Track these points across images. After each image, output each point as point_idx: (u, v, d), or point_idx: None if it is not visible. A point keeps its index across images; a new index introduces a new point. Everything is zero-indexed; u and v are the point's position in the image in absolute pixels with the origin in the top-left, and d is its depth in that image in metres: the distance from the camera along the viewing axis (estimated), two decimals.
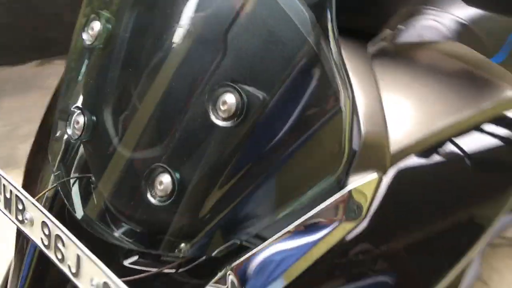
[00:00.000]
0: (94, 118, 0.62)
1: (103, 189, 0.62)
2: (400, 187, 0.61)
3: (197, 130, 0.55)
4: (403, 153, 0.62)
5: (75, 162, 0.66)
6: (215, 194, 0.56)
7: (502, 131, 0.71)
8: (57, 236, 0.56)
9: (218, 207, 0.56)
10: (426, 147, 0.64)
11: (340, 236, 0.57)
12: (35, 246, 0.65)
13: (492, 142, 0.70)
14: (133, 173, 0.60)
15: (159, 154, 0.57)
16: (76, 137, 0.63)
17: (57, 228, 0.56)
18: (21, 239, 0.75)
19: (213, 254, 0.57)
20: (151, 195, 0.56)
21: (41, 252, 0.62)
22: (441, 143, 0.65)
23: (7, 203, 0.63)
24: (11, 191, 0.61)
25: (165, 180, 0.56)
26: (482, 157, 0.68)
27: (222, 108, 0.53)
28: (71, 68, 0.68)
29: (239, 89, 0.53)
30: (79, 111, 0.63)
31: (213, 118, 0.54)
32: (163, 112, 0.58)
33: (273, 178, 0.57)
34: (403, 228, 0.62)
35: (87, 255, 0.53)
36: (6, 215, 0.64)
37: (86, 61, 0.65)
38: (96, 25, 0.62)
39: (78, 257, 0.54)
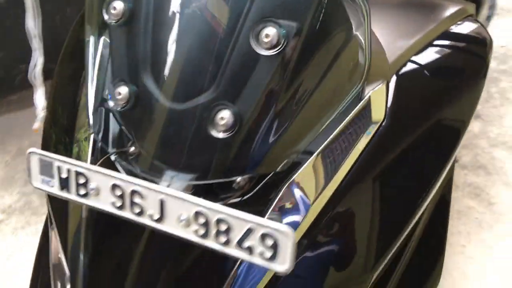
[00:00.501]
0: (134, 87, 0.66)
1: (156, 146, 0.65)
2: (400, 91, 0.78)
3: (245, 64, 0.61)
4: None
5: (121, 132, 0.70)
6: (270, 118, 0.63)
7: (450, 42, 0.92)
8: (133, 192, 0.60)
9: (275, 129, 0.64)
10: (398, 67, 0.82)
11: (368, 139, 0.72)
12: (78, 230, 0.71)
13: (444, 52, 0.89)
14: (191, 120, 0.63)
15: (214, 94, 0.62)
16: (120, 107, 0.66)
17: (133, 184, 0.60)
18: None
19: (278, 169, 0.66)
20: (217, 131, 0.62)
21: (97, 227, 0.69)
22: (406, 61, 0.83)
23: (64, 183, 0.63)
24: (68, 170, 0.62)
25: (225, 115, 0.61)
26: (437, 67, 0.86)
27: (265, 40, 0.60)
28: (96, 48, 0.73)
29: (277, 22, 0.60)
30: (120, 83, 0.66)
31: (258, 50, 0.60)
32: (210, 55, 0.62)
33: (311, 98, 0.66)
34: (412, 124, 0.79)
35: (173, 195, 0.58)
36: (64, 197, 0.64)
37: (114, 37, 0.68)
38: (119, 4, 0.65)
39: (161, 202, 0.59)
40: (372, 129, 0.72)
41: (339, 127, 0.70)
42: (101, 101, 0.72)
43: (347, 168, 0.69)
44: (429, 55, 0.87)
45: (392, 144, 0.75)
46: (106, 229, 0.73)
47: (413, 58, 0.84)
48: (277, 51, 0.60)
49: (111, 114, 0.71)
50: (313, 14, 0.62)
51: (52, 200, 0.80)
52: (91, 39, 0.73)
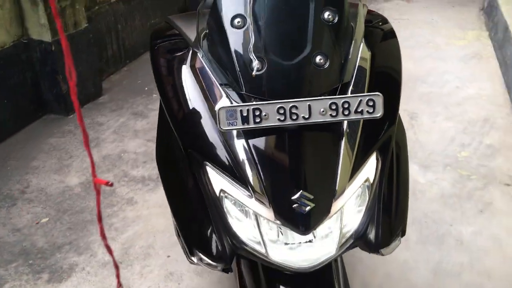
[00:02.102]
0: (265, 60, 0.99)
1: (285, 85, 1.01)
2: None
3: (321, 30, 1.03)
4: None
5: (257, 88, 1.01)
6: (343, 53, 1.07)
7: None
8: (291, 107, 0.94)
9: (345, 59, 1.07)
10: None
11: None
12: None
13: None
14: (303, 65, 1.00)
15: (310, 48, 1.00)
16: (258, 71, 0.98)
17: (290, 102, 0.94)
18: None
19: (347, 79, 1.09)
20: (317, 66, 1.00)
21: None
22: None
23: (245, 119, 0.94)
24: (247, 110, 0.94)
25: (321, 57, 1.00)
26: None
27: (327, 18, 1.03)
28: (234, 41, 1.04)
29: (331, 8, 1.03)
30: (258, 56, 0.99)
31: (326, 23, 1.04)
32: (301, 30, 1.01)
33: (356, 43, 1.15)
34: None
35: (315, 99, 0.95)
36: (245, 128, 0.95)
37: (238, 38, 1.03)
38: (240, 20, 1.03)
39: (309, 106, 0.94)
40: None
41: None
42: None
43: None
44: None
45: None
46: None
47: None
48: (332, 23, 1.03)
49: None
50: (345, 4, 1.06)
51: None
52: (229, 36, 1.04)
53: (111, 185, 0.89)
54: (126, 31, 3.73)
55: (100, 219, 0.97)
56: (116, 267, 1.09)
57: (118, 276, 1.09)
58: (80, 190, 2.46)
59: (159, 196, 2.40)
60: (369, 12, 1.37)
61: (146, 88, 3.48)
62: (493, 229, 2.18)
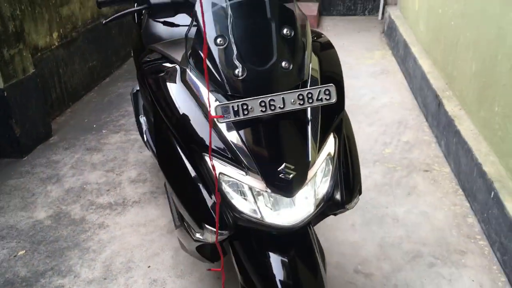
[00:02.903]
0: (245, 68, 1.28)
1: (262, 87, 1.28)
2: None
3: (283, 43, 1.34)
4: None
5: (241, 89, 1.29)
6: (301, 58, 1.39)
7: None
8: (270, 100, 1.21)
9: (302, 60, 1.39)
10: None
11: None
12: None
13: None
14: (273, 68, 1.30)
15: (276, 57, 1.30)
16: (240, 76, 1.28)
17: (269, 96, 1.21)
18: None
19: (306, 77, 1.41)
20: (284, 69, 1.31)
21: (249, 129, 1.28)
22: None
23: (236, 113, 1.20)
24: (238, 105, 1.19)
25: (284, 64, 1.30)
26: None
27: (286, 33, 1.35)
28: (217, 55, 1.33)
29: (287, 27, 1.37)
30: (239, 64, 1.28)
31: (285, 37, 1.35)
32: (268, 44, 1.32)
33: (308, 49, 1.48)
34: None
35: (287, 93, 1.23)
36: (236, 119, 1.20)
37: (221, 54, 1.32)
38: (222, 39, 1.32)
39: (283, 98, 1.22)
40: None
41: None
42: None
43: None
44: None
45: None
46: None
47: None
48: (290, 37, 1.34)
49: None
50: (296, 23, 1.38)
51: None
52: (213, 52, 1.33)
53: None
54: (67, 75, 3.87)
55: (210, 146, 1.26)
56: None
57: None
58: (50, 222, 2.56)
59: (128, 218, 2.56)
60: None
61: (94, 125, 3.61)
62: (421, 207, 2.58)
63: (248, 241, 1.43)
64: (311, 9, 5.96)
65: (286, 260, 1.38)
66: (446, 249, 2.28)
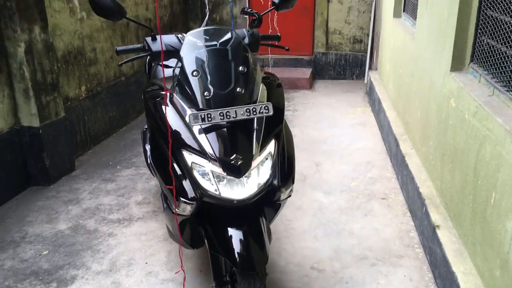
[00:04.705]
0: (211, 92, 1.84)
1: (222, 102, 1.83)
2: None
3: (240, 75, 1.92)
4: None
5: (208, 106, 1.84)
6: (251, 86, 1.97)
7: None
8: (227, 111, 1.78)
9: (253, 89, 1.97)
10: None
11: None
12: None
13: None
14: (231, 93, 1.86)
15: (233, 84, 1.89)
16: (208, 97, 1.84)
17: (225, 109, 1.79)
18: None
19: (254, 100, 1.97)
20: (239, 92, 1.88)
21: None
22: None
23: (202, 119, 1.76)
24: (204, 114, 1.76)
25: (240, 88, 1.88)
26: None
27: (241, 70, 1.94)
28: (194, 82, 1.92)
29: (243, 65, 1.97)
30: (207, 89, 1.85)
31: (241, 72, 1.94)
32: (228, 76, 1.90)
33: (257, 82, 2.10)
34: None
35: (239, 107, 1.82)
36: (202, 124, 1.78)
37: (196, 81, 1.90)
38: (196, 72, 1.94)
39: (235, 111, 1.81)
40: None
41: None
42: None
43: None
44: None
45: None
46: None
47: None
48: (244, 72, 1.91)
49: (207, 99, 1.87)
50: (249, 64, 1.96)
51: None
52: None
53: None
54: (91, 122, 4.51)
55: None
56: None
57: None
58: (70, 231, 3.07)
59: (133, 229, 3.07)
60: (267, 72, 2.30)
61: (111, 163, 4.20)
62: (374, 224, 3.05)
63: (215, 223, 1.93)
64: (305, 73, 6.67)
65: (241, 234, 1.87)
66: (388, 254, 2.72)
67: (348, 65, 6.90)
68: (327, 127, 4.95)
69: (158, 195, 3.52)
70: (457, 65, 2.54)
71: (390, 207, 3.26)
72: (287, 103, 5.88)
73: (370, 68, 6.39)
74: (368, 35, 6.56)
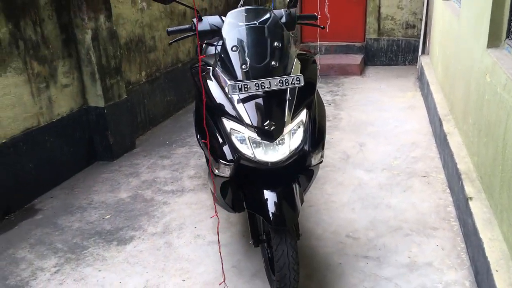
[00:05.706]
0: (248, 65, 2.03)
1: (259, 74, 2.02)
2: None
3: (276, 50, 2.12)
4: None
5: (245, 78, 2.04)
6: (286, 58, 2.17)
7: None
8: (262, 82, 1.97)
9: (289, 61, 2.17)
10: None
11: None
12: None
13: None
14: (267, 66, 2.05)
15: (269, 58, 2.06)
16: (245, 69, 2.03)
17: (262, 80, 1.98)
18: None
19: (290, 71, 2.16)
20: (272, 66, 2.06)
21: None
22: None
23: (240, 89, 1.94)
24: (242, 85, 1.95)
25: (275, 61, 2.07)
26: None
27: (276, 45, 2.13)
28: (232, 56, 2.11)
29: (278, 40, 2.15)
30: (245, 62, 2.04)
31: (276, 47, 2.13)
32: (265, 51, 2.08)
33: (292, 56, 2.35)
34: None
35: (273, 78, 2.00)
36: (240, 93, 1.97)
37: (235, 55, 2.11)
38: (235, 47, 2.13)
39: (269, 82, 1.98)
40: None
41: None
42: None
43: None
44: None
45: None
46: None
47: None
48: (279, 47, 2.08)
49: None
50: (284, 40, 2.13)
51: None
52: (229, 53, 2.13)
53: None
54: (150, 105, 4.85)
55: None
56: None
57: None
58: (129, 200, 3.39)
59: (185, 199, 3.34)
60: (304, 50, 2.45)
61: (167, 142, 4.51)
62: (411, 199, 3.12)
63: (252, 186, 2.12)
64: (356, 59, 6.70)
65: (275, 196, 2.05)
66: (423, 225, 2.81)
67: (400, 51, 6.85)
68: (375, 110, 5.01)
69: (207, 170, 3.76)
70: (493, 41, 2.57)
71: (430, 184, 3.31)
72: (336, 89, 5.97)
73: (423, 53, 6.32)
74: (421, 20, 6.48)
